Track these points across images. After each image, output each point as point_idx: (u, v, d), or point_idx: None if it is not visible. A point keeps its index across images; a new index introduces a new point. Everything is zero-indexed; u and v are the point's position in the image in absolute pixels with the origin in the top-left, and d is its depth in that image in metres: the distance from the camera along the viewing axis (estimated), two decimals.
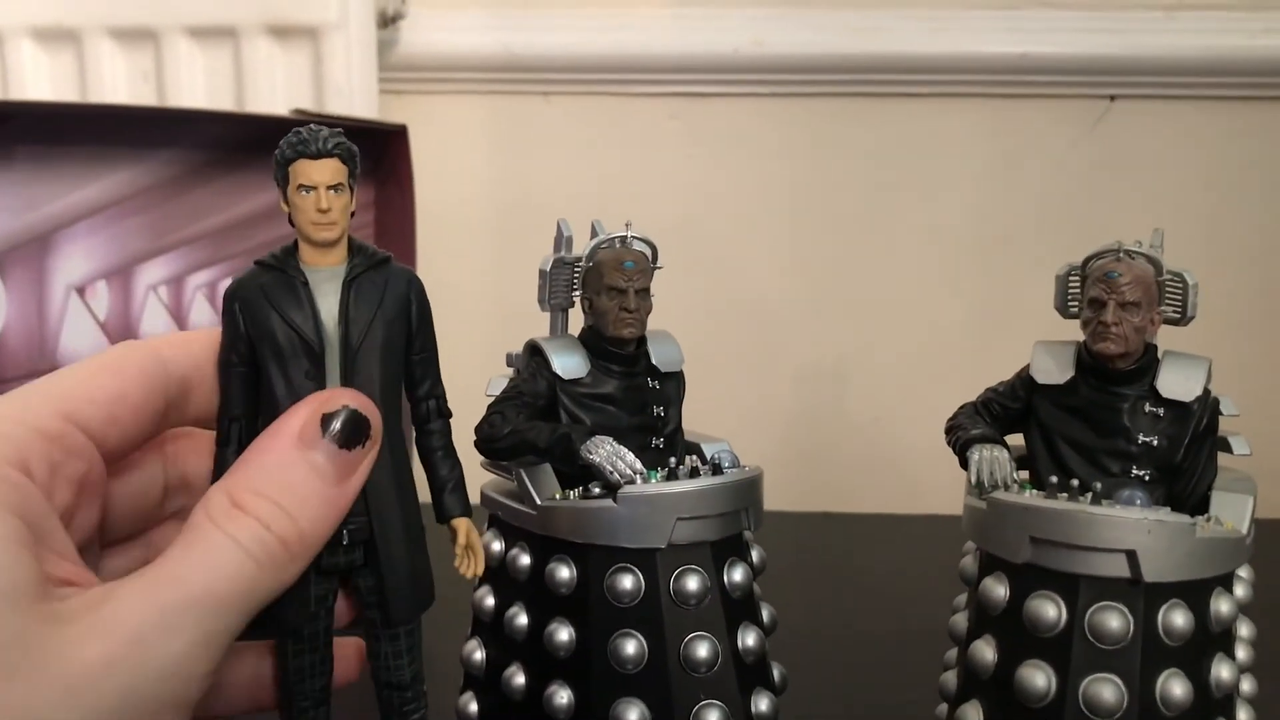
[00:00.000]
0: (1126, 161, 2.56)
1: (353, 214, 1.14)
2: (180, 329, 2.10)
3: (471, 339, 1.83)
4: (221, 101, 2.36)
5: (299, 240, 1.13)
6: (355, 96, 2.35)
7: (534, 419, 1.23)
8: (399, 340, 1.14)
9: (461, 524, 1.18)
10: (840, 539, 2.43)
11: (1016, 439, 1.30)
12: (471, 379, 1.33)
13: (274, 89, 2.35)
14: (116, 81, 2.38)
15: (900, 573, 2.17)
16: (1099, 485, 1.13)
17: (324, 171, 1.09)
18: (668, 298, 2.57)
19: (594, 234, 1.32)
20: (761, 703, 1.21)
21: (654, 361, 1.31)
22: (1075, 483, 1.14)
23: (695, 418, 1.43)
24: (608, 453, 1.18)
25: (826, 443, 2.66)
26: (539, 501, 1.22)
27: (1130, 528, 1.07)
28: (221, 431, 1.13)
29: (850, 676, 1.69)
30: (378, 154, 2.15)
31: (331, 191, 1.09)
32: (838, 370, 2.65)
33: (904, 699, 1.55)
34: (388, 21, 2.47)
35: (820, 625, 1.89)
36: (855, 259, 2.63)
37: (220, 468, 1.12)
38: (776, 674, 1.29)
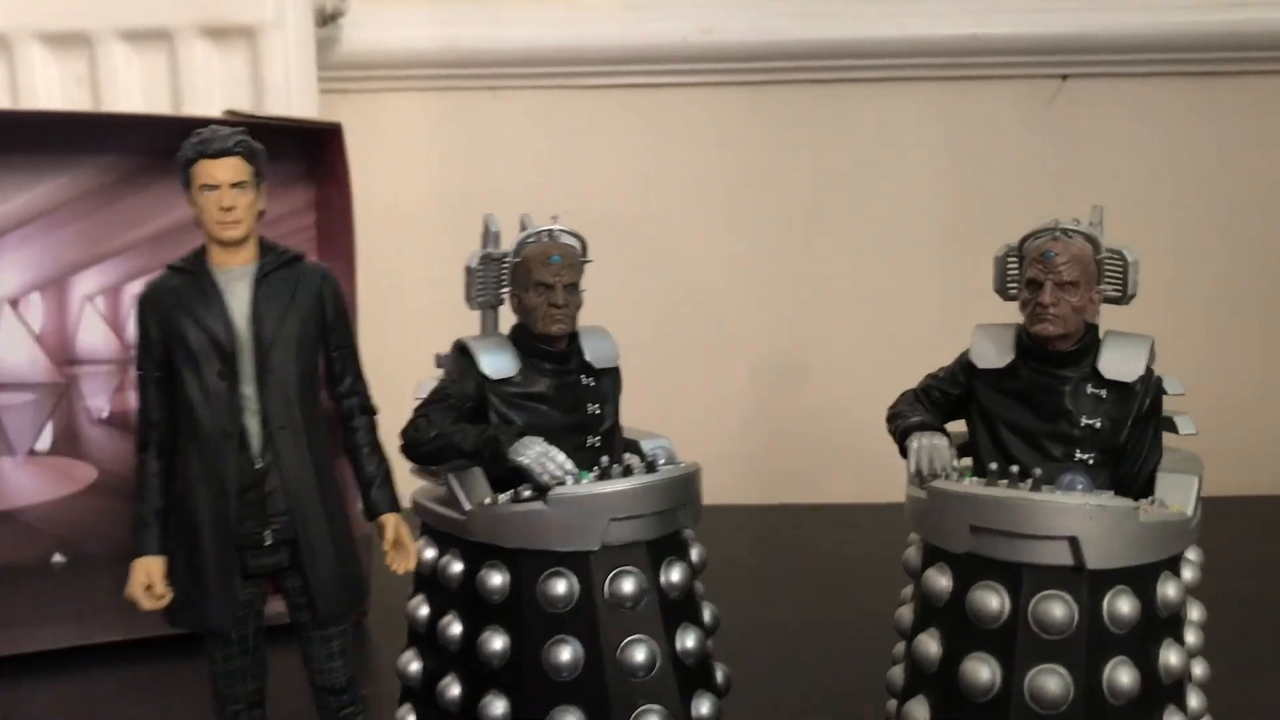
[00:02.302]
0: (1081, 140, 2.54)
1: (261, 213, 1.12)
2: (118, 340, 2.05)
3: (419, 341, 1.79)
4: (158, 105, 2.30)
5: (207, 242, 1.10)
6: (294, 97, 2.29)
7: (462, 421, 1.20)
8: (312, 337, 1.13)
9: (389, 520, 1.17)
10: (799, 531, 2.40)
11: (960, 426, 1.27)
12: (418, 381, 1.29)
13: (211, 91, 2.29)
14: (49, 87, 2.31)
15: (860, 563, 2.15)
16: (1039, 471, 1.09)
17: (226, 170, 1.07)
18: (623, 292, 2.54)
19: (523, 228, 1.28)
20: (703, 706, 1.17)
21: (587, 358, 1.27)
22: (1015, 469, 1.11)
23: (651, 415, 1.40)
24: (537, 453, 1.14)
25: (785, 435, 2.62)
26: (468, 507, 1.18)
27: (1072, 513, 1.05)
28: (141, 437, 1.12)
29: (804, 672, 1.65)
30: (315, 154, 2.09)
31: (235, 190, 1.07)
32: (795, 362, 2.62)
33: (859, 693, 1.51)
34: (327, 19, 2.42)
35: (776, 620, 1.86)
36: (812, 248, 2.59)
37: (141, 474, 1.11)
38: (720, 675, 1.25)
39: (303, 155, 2.15)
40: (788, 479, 2.61)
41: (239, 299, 1.09)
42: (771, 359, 2.62)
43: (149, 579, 1.10)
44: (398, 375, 1.37)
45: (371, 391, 1.21)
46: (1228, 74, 2.51)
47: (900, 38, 2.49)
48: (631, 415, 1.35)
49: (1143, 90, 2.53)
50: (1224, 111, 2.52)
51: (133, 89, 2.33)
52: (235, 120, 1.95)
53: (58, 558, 2.06)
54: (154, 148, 2.05)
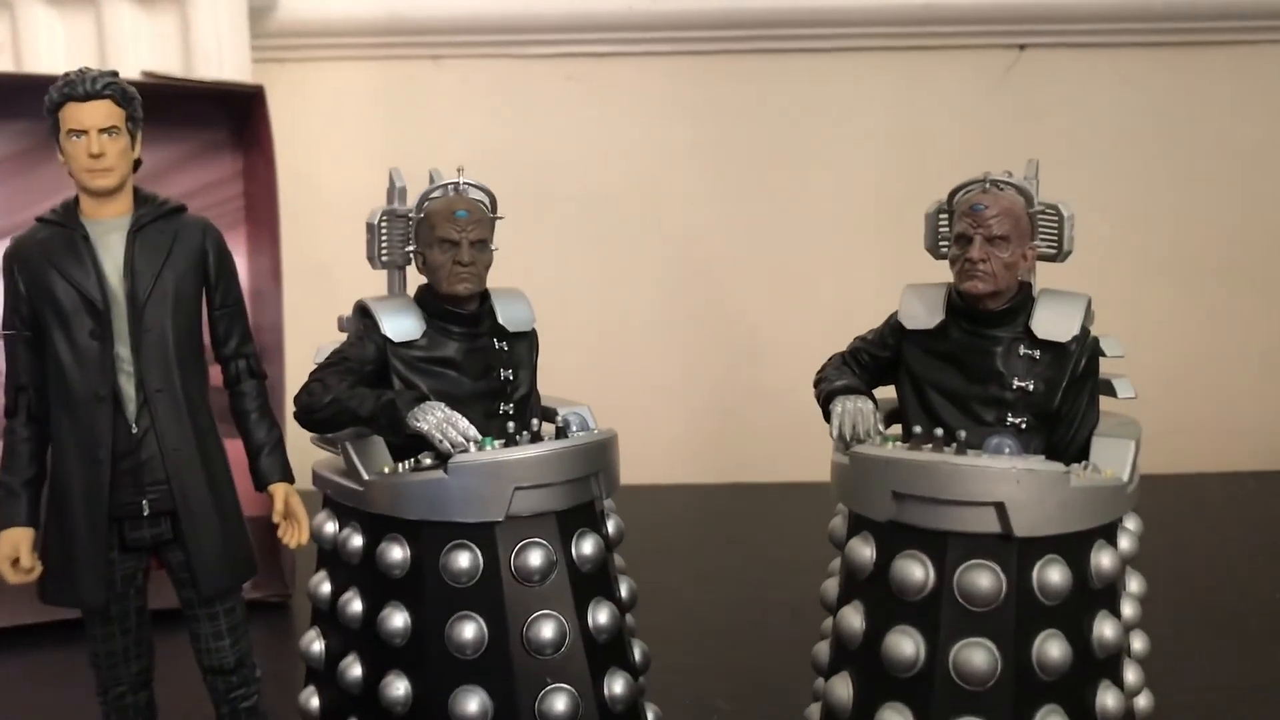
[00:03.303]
0: (1039, 111, 2.48)
1: (138, 162, 1.05)
2: None
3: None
4: None
5: (78, 193, 1.03)
6: (225, 64, 2.21)
7: (361, 385, 1.13)
8: (193, 293, 1.06)
9: (279, 489, 1.11)
10: (747, 510, 2.35)
11: (890, 391, 1.21)
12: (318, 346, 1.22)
13: (139, 56, 2.21)
14: None
15: (804, 542, 2.08)
16: (964, 434, 1.03)
17: (95, 114, 1.00)
18: (566, 265, 2.48)
19: (431, 182, 1.21)
20: (616, 684, 1.11)
21: (500, 321, 1.20)
22: (940, 432, 1.05)
23: (599, 387, 1.34)
24: (438, 419, 1.07)
25: (738, 413, 2.56)
26: (366, 476, 1.11)
27: (998, 478, 0.99)
28: (9, 402, 1.04)
29: (740, 652, 1.60)
30: (242, 121, 2.02)
31: (105, 135, 1.00)
32: (749, 338, 2.56)
33: (794, 674, 1.46)
34: None
35: (714, 599, 1.81)
36: (764, 222, 2.53)
37: (9, 440, 1.03)
38: (638, 653, 1.19)
39: (229, 123, 2.08)
40: (739, 458, 2.56)
41: (112, 253, 1.02)
42: (721, 334, 2.56)
43: (15, 551, 1.03)
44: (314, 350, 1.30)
45: (298, 369, 1.15)
46: (1185, 44, 2.47)
47: (853, 6, 2.43)
48: (571, 392, 1.29)
49: (1101, 61, 2.48)
50: (1181, 82, 2.48)
51: (57, 55, 2.25)
52: (152, 81, 1.88)
53: None
54: None
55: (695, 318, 2.55)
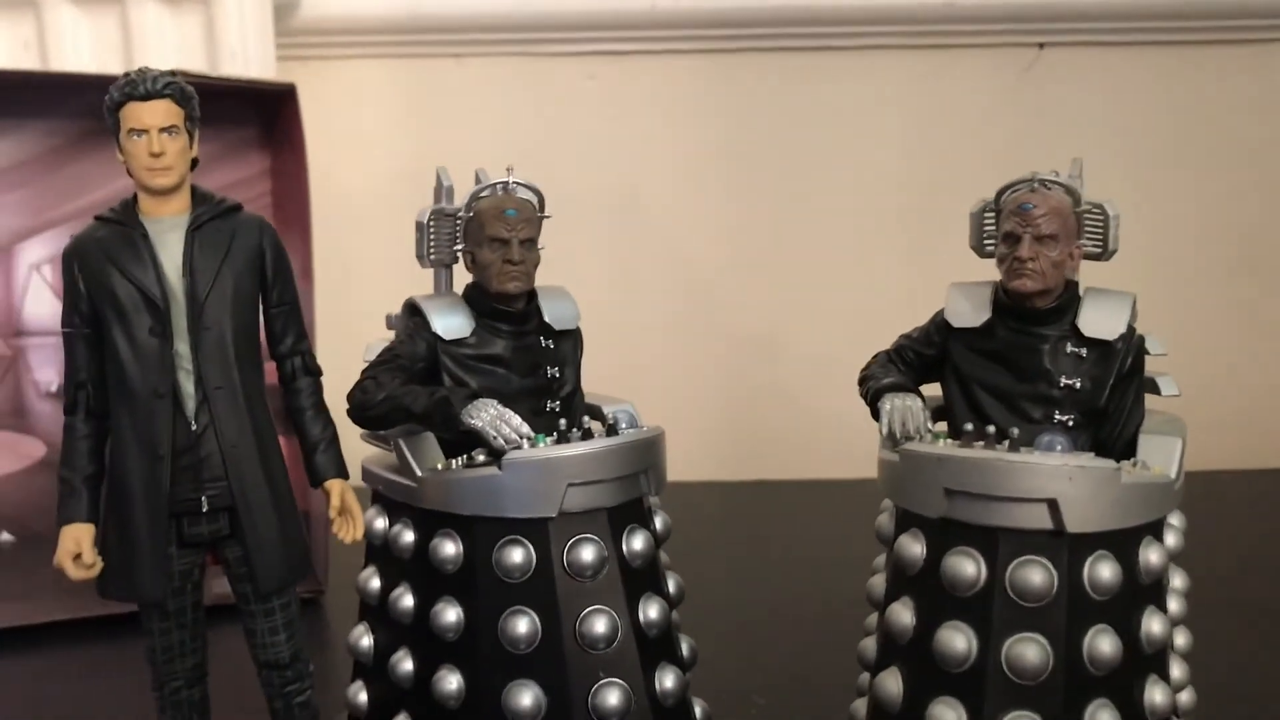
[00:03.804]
0: (1058, 111, 2.49)
1: (195, 161, 1.05)
2: None
3: (377, 314, 1.74)
4: (109, 70, 2.22)
5: (138, 191, 1.04)
6: (250, 62, 2.22)
7: (413, 383, 1.13)
8: (250, 291, 1.07)
9: (335, 486, 1.12)
10: (772, 507, 2.36)
11: (936, 389, 1.22)
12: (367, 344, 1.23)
13: (164, 55, 2.22)
14: None
15: (832, 539, 2.10)
16: (1016, 431, 1.04)
17: (155, 114, 1.01)
18: (587, 263, 2.49)
19: (477, 182, 1.22)
20: (667, 679, 1.12)
21: (546, 319, 1.21)
22: (991, 429, 1.06)
23: (621, 386, 1.35)
24: (491, 416, 1.08)
25: (760, 410, 2.57)
26: (419, 473, 1.12)
27: (1050, 475, 1.00)
28: (69, 398, 1.05)
29: (774, 647, 1.61)
30: (270, 119, 2.02)
31: (165, 135, 1.01)
32: (770, 336, 2.57)
33: (829, 668, 1.47)
34: None
35: (746, 595, 1.82)
36: (785, 220, 2.54)
37: (69, 437, 1.04)
38: (685, 647, 1.20)
39: (258, 121, 2.08)
40: (761, 454, 2.57)
41: (171, 251, 1.03)
42: (741, 332, 2.56)
43: (77, 547, 1.03)
44: (355, 348, 1.31)
45: (326, 366, 1.15)
46: (1206, 43, 2.48)
47: (874, 5, 2.44)
48: (598, 389, 1.30)
49: (1121, 59, 2.49)
50: (1202, 80, 2.49)
51: (82, 54, 2.26)
52: (192, 79, 1.88)
53: (5, 536, 1.99)
54: (102, 111, 1.98)
55: (716, 315, 2.56)
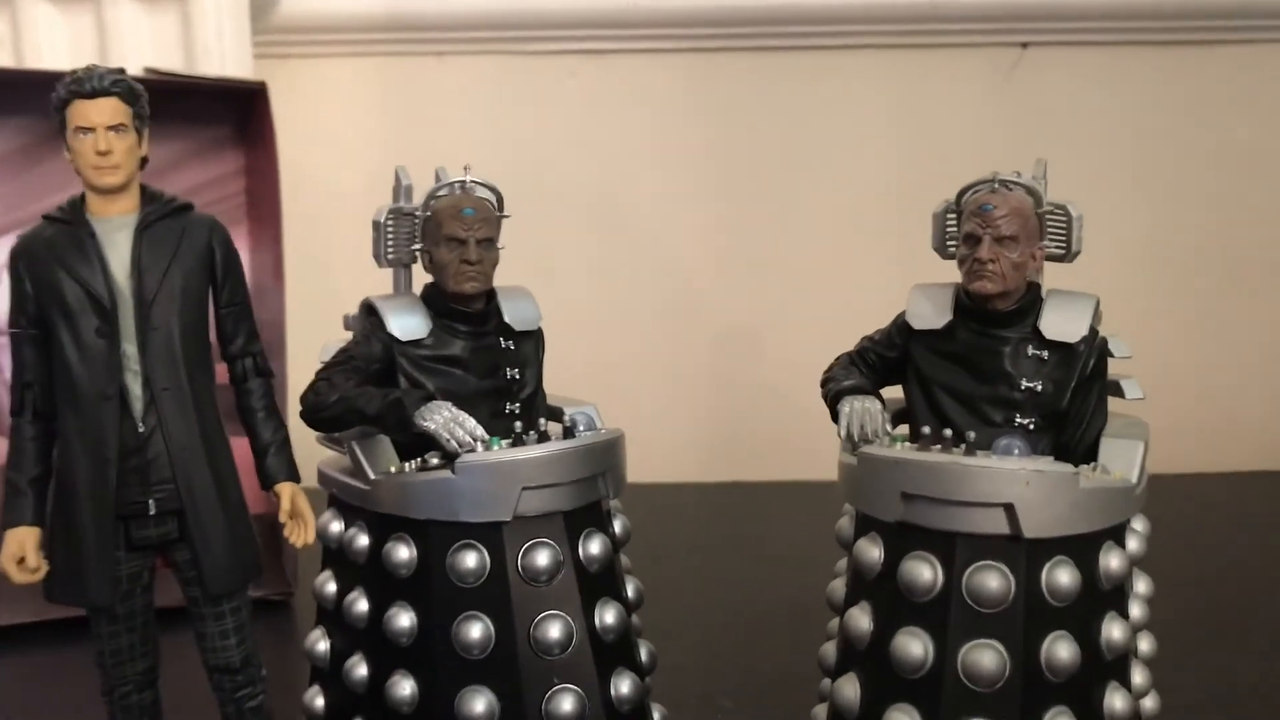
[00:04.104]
0: (1042, 109, 2.48)
1: (144, 160, 1.04)
2: None
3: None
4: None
5: (85, 190, 1.03)
6: (227, 60, 2.20)
7: (368, 385, 1.12)
8: (199, 291, 1.06)
9: (285, 489, 1.11)
10: (750, 508, 2.35)
11: (898, 391, 1.21)
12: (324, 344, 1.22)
13: (140, 52, 2.20)
14: None
15: (810, 539, 2.08)
16: (973, 435, 1.03)
17: (102, 111, 1.00)
18: (573, 263, 2.48)
19: (437, 180, 1.21)
20: (623, 685, 1.11)
21: (506, 319, 1.20)
22: (949, 433, 1.05)
23: (601, 385, 1.34)
24: (445, 419, 1.07)
25: (742, 411, 2.56)
26: (373, 476, 1.11)
27: (1007, 479, 0.98)
28: (15, 399, 1.04)
29: (744, 650, 1.60)
30: (243, 117, 2.01)
31: (112, 133, 1.00)
32: (752, 337, 2.56)
33: (798, 672, 1.46)
34: None
35: (719, 598, 1.80)
36: (768, 219, 2.53)
37: (15, 438, 1.03)
38: (644, 653, 1.19)
39: (232, 119, 2.07)
40: (743, 456, 2.55)
41: (118, 250, 1.02)
42: (724, 333, 2.55)
43: (21, 550, 1.02)
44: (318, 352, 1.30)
45: (297, 366, 1.14)
46: (1189, 43, 2.47)
47: (857, 4, 2.43)
48: (577, 390, 1.29)
49: (1104, 59, 2.48)
50: (1186, 81, 2.48)
51: (58, 51, 2.24)
52: (155, 78, 1.87)
53: None
54: None
55: (698, 316, 2.55)
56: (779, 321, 2.54)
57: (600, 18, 2.44)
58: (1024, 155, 2.47)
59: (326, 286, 2.23)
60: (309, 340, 1.86)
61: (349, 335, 1.23)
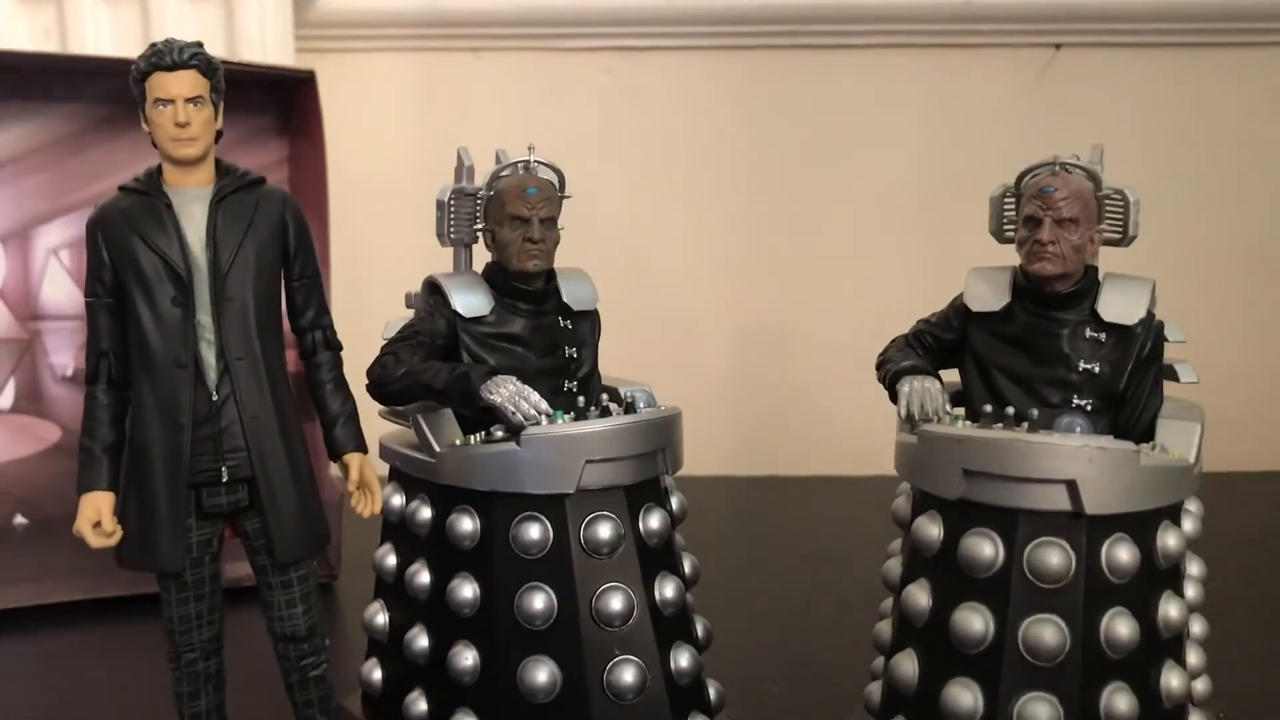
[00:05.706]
0: (1074, 110, 2.49)
1: (219, 133, 1.05)
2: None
3: (394, 305, 1.75)
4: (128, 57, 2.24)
5: (162, 162, 1.04)
6: (269, 52, 2.23)
7: (432, 360, 1.14)
8: (273, 263, 1.07)
9: (354, 459, 1.12)
10: (786, 502, 2.35)
11: (953, 374, 1.22)
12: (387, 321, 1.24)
13: None
14: (16, 40, 2.25)
15: (845, 532, 2.10)
16: (1035, 413, 1.04)
17: (181, 83, 1.01)
18: (606, 257, 2.48)
19: (498, 162, 1.23)
20: (682, 658, 1.12)
21: (565, 299, 1.22)
22: (1011, 411, 1.06)
23: (633, 379, 1.34)
24: (510, 392, 1.08)
25: (773, 406, 2.57)
26: (437, 449, 1.12)
27: (1070, 456, 1.00)
28: (90, 368, 1.06)
29: (787, 638, 1.61)
30: (288, 107, 2.03)
31: (190, 105, 1.02)
32: (783, 332, 2.57)
33: (842, 659, 1.47)
34: None
35: (758, 587, 1.81)
36: (799, 216, 2.54)
37: (90, 406, 1.05)
38: (700, 628, 1.20)
39: (276, 109, 2.09)
40: (773, 450, 2.56)
41: (195, 222, 1.03)
42: (753, 329, 2.56)
43: (97, 514, 1.03)
44: (370, 336, 1.31)
45: (344, 344, 1.16)
46: (1221, 45, 2.47)
47: (891, 3, 2.44)
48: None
49: (1137, 60, 2.49)
50: (1217, 81, 2.48)
51: (102, 42, 2.27)
52: None
53: (19, 519, 2.00)
54: (122, 95, 1.98)
55: (728, 312, 2.56)
56: (810, 316, 2.55)
57: (636, 15, 2.46)
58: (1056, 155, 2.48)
59: (363, 276, 2.26)
60: (349, 327, 1.88)
61: (408, 314, 1.25)
